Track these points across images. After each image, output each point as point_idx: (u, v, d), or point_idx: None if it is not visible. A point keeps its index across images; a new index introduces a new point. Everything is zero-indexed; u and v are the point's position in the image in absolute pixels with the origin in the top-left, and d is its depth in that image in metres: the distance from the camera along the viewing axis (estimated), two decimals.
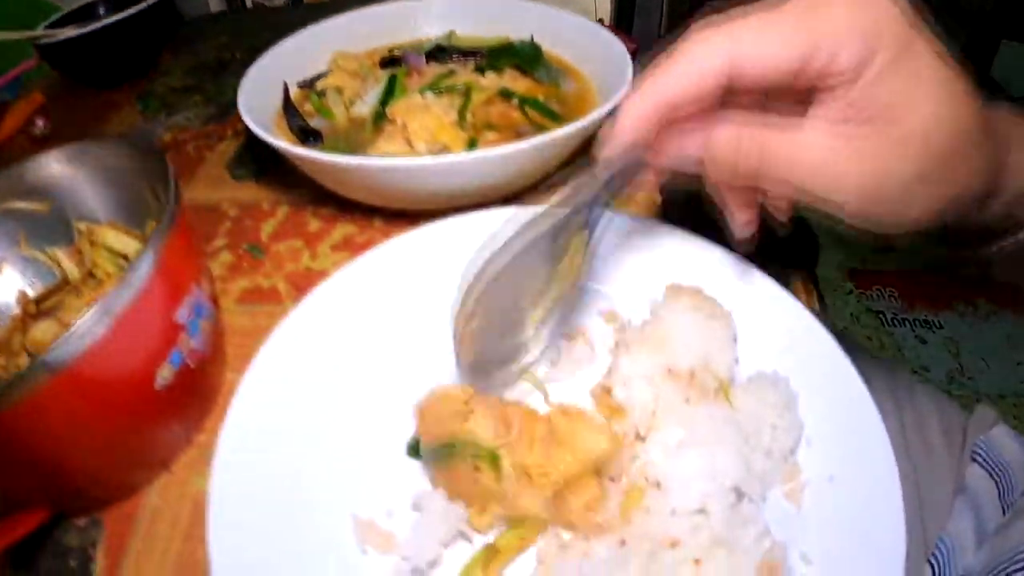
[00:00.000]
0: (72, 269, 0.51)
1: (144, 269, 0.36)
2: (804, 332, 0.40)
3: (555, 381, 0.41)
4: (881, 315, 1.23)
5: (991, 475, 0.51)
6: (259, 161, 0.64)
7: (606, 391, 0.38)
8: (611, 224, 0.45)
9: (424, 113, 0.52)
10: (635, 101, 0.34)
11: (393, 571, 0.34)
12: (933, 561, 0.48)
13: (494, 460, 0.35)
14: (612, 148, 0.35)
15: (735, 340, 0.40)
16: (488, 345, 0.39)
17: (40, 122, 0.72)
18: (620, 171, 0.37)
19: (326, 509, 0.37)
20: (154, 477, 0.43)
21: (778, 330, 0.41)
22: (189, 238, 0.42)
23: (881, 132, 0.29)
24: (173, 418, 0.42)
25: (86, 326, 0.33)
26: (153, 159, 0.44)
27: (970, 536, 0.48)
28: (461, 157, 0.46)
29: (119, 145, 0.47)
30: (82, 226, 0.50)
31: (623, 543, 0.32)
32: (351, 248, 0.53)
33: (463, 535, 0.36)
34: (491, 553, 0.34)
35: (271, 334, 0.42)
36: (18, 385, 0.32)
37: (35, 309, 0.50)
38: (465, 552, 0.35)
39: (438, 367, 0.41)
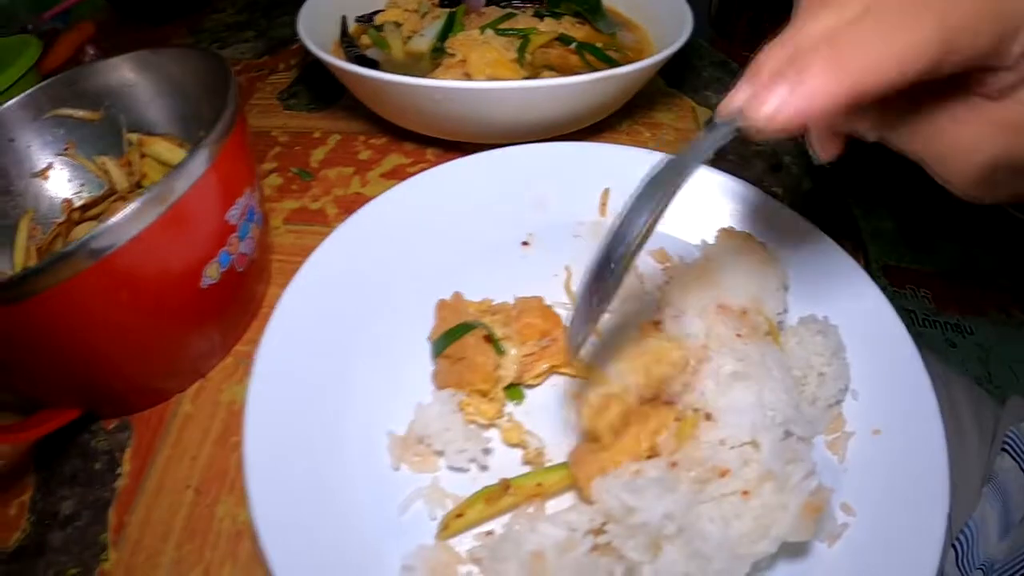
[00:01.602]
0: (121, 179, 0.50)
1: (200, 161, 0.35)
2: (854, 286, 0.40)
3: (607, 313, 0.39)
4: (912, 314, 1.21)
5: (1021, 466, 0.49)
6: (312, 92, 0.64)
7: (655, 324, 0.38)
8: (644, 161, 0.43)
9: (484, 48, 0.51)
10: (824, 82, 0.25)
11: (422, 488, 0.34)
12: (957, 545, 0.48)
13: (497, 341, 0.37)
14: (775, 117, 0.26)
15: (786, 288, 0.39)
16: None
17: (91, 50, 0.73)
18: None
19: (361, 423, 0.37)
20: (188, 384, 0.43)
21: (827, 282, 0.40)
22: (245, 142, 0.41)
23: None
24: (214, 322, 0.42)
25: (135, 211, 0.32)
26: (215, 66, 0.43)
27: (995, 524, 0.48)
28: (520, 84, 0.46)
29: (183, 54, 0.47)
30: (133, 137, 0.50)
31: (674, 465, 0.31)
32: (401, 176, 0.52)
33: (477, 463, 0.36)
34: (500, 489, 0.34)
35: (316, 249, 0.42)
36: (59, 265, 0.31)
37: (80, 216, 0.50)
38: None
39: (472, 291, 0.41)
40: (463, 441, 0.35)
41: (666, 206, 0.28)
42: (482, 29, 0.54)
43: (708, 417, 0.33)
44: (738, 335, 0.35)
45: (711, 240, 0.41)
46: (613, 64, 0.54)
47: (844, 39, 0.25)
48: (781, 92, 0.25)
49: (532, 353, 0.39)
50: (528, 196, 0.46)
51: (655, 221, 0.28)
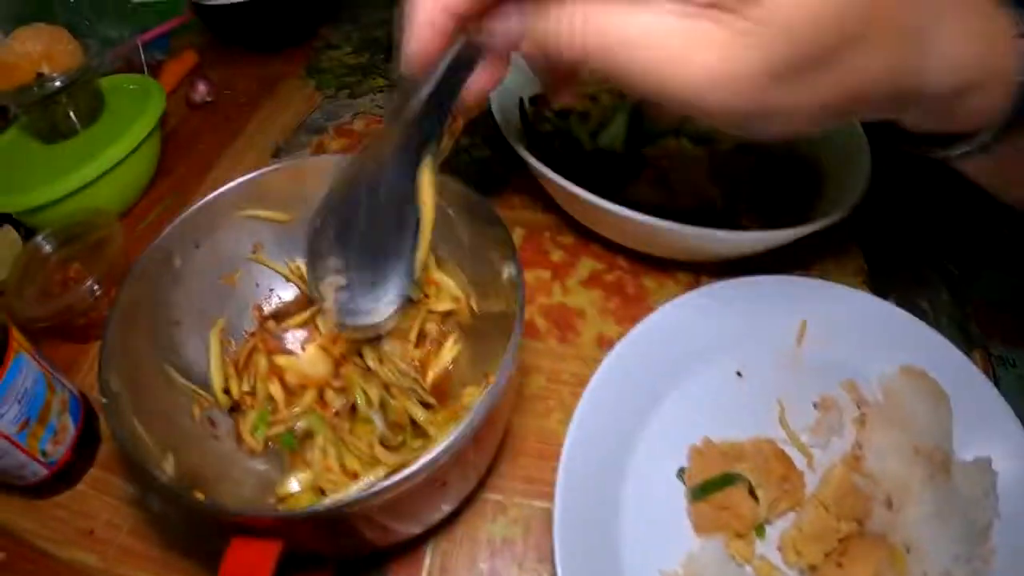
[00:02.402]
0: None
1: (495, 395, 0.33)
2: (996, 414, 0.43)
3: (815, 447, 0.44)
4: None
5: None
6: (473, 167, 0.60)
7: (856, 459, 0.42)
8: (832, 296, 0.47)
9: (683, 159, 0.50)
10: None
11: None
12: None
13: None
14: (412, 58, 0.30)
15: (952, 422, 0.43)
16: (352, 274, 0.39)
17: (202, 87, 0.67)
18: (442, 76, 0.31)
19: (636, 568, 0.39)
20: (442, 528, 0.43)
21: (982, 418, 0.43)
22: None
23: (737, 13, 0.25)
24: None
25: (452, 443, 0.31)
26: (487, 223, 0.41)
27: None
28: (726, 234, 0.45)
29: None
30: None
31: None
32: (602, 286, 0.52)
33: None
34: None
35: (588, 388, 0.42)
36: (380, 493, 0.30)
37: (275, 327, 0.48)
38: None
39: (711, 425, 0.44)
40: None
41: None
42: (679, 135, 0.53)
43: (909, 551, 0.38)
44: (932, 476, 0.40)
45: (889, 372, 0.45)
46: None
47: None
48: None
49: (776, 497, 0.41)
50: (741, 327, 0.47)
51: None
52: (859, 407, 0.45)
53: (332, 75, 0.72)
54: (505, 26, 0.29)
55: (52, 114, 0.58)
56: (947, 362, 0.45)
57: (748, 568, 0.40)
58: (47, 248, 0.54)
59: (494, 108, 0.52)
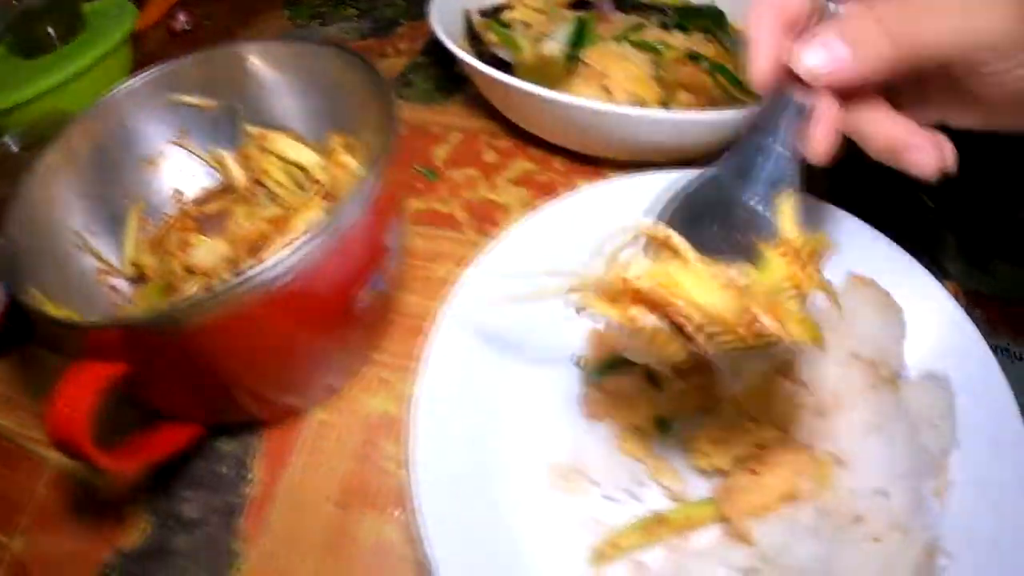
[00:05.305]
0: (238, 174, 0.48)
1: (369, 189, 0.34)
2: (962, 337, 0.40)
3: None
4: None
5: None
6: (428, 83, 0.62)
7: (786, 363, 0.38)
8: None
9: (624, 63, 0.50)
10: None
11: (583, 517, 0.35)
12: None
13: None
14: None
15: (904, 337, 0.40)
16: None
17: (182, 16, 0.70)
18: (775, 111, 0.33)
19: (516, 448, 0.37)
20: (322, 399, 0.42)
21: (938, 331, 0.40)
22: (399, 161, 0.40)
23: None
24: (360, 341, 0.41)
25: (308, 243, 0.31)
26: (362, 70, 0.41)
27: None
28: (668, 115, 0.45)
29: (322, 52, 0.44)
30: (253, 130, 0.48)
31: (822, 509, 0.33)
32: (531, 186, 0.52)
33: (631, 494, 0.36)
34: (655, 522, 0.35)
35: (471, 263, 0.41)
36: (221, 300, 0.30)
37: (195, 212, 0.48)
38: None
39: None
40: (619, 472, 0.36)
41: None
42: (618, 40, 0.52)
43: (840, 463, 0.34)
44: (871, 386, 0.36)
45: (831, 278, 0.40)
46: (742, 87, 0.52)
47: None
48: (830, 42, 0.30)
49: (684, 391, 0.39)
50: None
51: None
52: None
53: (307, 7, 0.74)
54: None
55: (31, 30, 0.62)
56: (906, 277, 0.42)
57: (640, 465, 0.37)
58: (13, 148, 0.57)
59: (434, 21, 0.53)
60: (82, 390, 0.30)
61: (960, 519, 0.35)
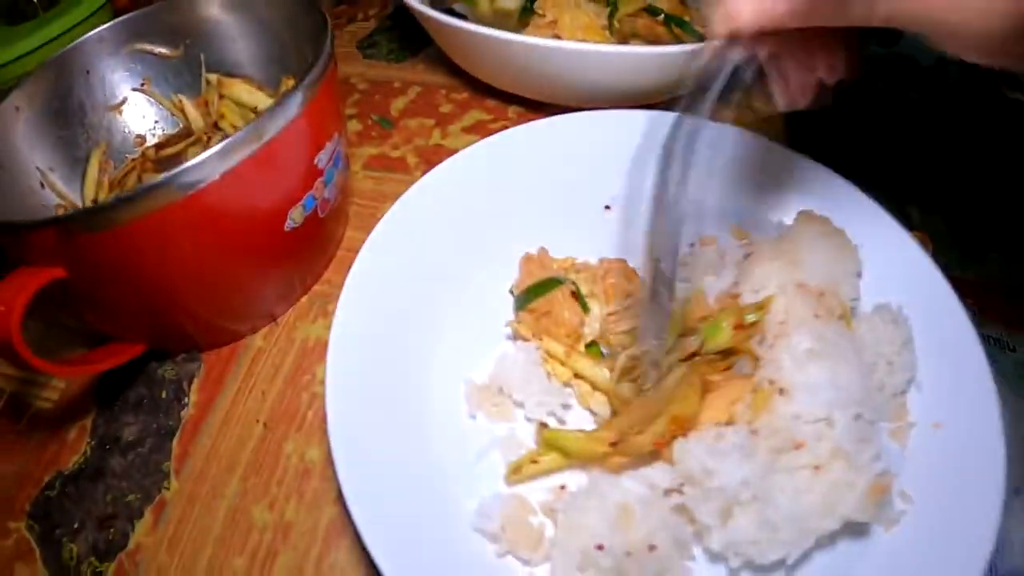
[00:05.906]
0: (197, 119, 0.51)
1: (295, 103, 0.36)
2: (923, 276, 0.39)
3: (683, 282, 0.40)
4: None
5: None
6: (392, 43, 0.65)
7: (733, 297, 0.38)
8: (741, 145, 0.44)
9: (576, 11, 0.52)
10: None
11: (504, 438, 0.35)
12: None
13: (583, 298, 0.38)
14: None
15: (859, 275, 0.40)
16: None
17: None
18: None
19: (440, 370, 0.37)
20: (261, 326, 0.44)
21: (898, 270, 0.40)
22: (336, 88, 0.42)
23: None
24: (292, 265, 0.43)
25: (227, 147, 0.33)
26: (305, 10, 0.44)
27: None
28: (615, 49, 0.46)
29: None
30: (212, 77, 0.51)
31: (754, 433, 0.32)
32: (483, 132, 0.54)
33: (555, 416, 0.36)
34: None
35: (403, 195, 0.42)
36: (147, 197, 0.32)
37: (155, 155, 0.51)
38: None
39: (556, 249, 0.42)
40: (543, 394, 0.36)
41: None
42: None
43: (782, 392, 0.33)
44: (816, 315, 0.35)
45: (788, 221, 0.41)
46: (700, 38, 0.54)
47: None
48: None
49: (615, 312, 0.39)
50: (613, 162, 0.45)
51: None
52: (744, 248, 0.41)
53: None
54: None
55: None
56: (862, 216, 0.41)
57: (567, 390, 0.37)
58: None
59: None
60: (17, 292, 0.32)
61: (922, 463, 0.34)
